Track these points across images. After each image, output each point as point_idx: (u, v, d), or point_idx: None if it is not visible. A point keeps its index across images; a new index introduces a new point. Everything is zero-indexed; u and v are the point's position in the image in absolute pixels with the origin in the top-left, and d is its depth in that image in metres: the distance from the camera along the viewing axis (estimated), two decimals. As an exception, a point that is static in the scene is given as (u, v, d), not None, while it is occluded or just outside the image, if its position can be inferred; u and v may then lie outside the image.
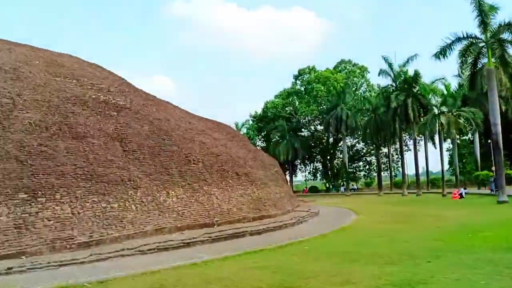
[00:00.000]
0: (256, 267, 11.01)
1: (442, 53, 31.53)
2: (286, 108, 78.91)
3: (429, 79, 51.96)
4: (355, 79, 77.52)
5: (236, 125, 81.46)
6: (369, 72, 76.53)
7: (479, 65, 32.38)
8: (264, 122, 79.54)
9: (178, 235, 15.45)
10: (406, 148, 66.96)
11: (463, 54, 30.26)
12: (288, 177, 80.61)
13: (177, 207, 16.59)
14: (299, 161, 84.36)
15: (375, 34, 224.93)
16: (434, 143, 50.90)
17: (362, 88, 77.98)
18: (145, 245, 13.91)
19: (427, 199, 40.75)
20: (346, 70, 78.70)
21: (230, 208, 18.64)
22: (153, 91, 26.48)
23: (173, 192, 16.86)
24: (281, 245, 14.64)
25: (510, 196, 30.88)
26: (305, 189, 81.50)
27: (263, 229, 17.95)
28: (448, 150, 66.96)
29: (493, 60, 30.72)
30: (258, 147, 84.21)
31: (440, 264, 10.24)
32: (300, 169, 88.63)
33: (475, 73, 32.34)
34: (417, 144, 52.53)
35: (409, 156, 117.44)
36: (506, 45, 29.55)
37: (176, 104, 27.35)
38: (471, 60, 31.46)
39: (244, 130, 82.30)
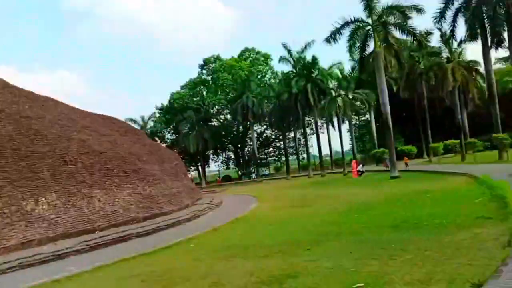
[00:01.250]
0: (126, 277, 9.87)
1: (332, 37, 32.24)
2: (194, 99, 77.40)
3: (330, 64, 53.74)
4: (259, 66, 78.05)
5: (142, 118, 78.43)
6: (272, 60, 77.49)
7: (371, 48, 33.74)
8: (171, 114, 77.28)
9: (50, 247, 13.72)
10: (312, 131, 69.25)
11: (351, 37, 31.19)
12: (200, 169, 79.69)
13: (48, 215, 14.74)
14: (211, 152, 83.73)
15: (280, 22, 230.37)
16: (333, 125, 52.82)
17: (267, 75, 78.81)
18: (5, 263, 12.07)
19: (330, 180, 42.12)
20: (250, 58, 79.01)
21: (115, 210, 17.13)
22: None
23: (43, 199, 14.96)
24: (167, 246, 13.58)
25: (401, 171, 32.85)
26: (218, 179, 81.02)
27: (153, 229, 16.74)
28: (348, 131, 70.33)
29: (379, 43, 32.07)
30: (168, 140, 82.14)
31: (318, 251, 9.90)
32: (212, 159, 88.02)
33: (365, 55, 33.50)
34: (320, 127, 54.19)
35: (316, 139, 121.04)
36: (390, 27, 30.91)
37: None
38: (360, 44, 32.54)
39: (151, 123, 79.53)
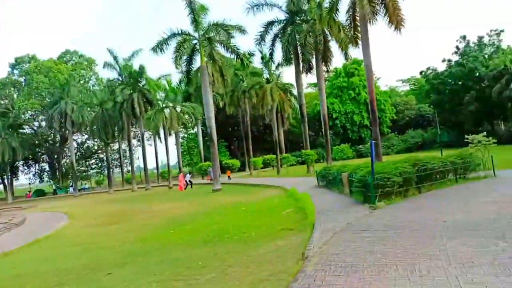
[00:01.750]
0: None
1: (159, 47, 31.68)
2: (1, 102, 67.41)
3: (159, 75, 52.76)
4: (82, 71, 72.73)
5: None
6: (97, 65, 72.94)
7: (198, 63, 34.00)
8: (-30, 117, 65.88)
9: None
10: (139, 143, 66.97)
11: (177, 49, 31.08)
12: (6, 182, 69.32)
13: None
14: (21, 163, 73.93)
15: (110, 28, 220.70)
16: (159, 138, 51.92)
17: (91, 81, 73.79)
18: None
19: (154, 193, 40.95)
20: (72, 62, 72.98)
21: None
22: None
23: None
24: None
25: (224, 184, 33.81)
26: (28, 193, 71.71)
27: None
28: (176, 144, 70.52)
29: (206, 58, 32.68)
30: (-36, 148, 69.54)
31: (120, 274, 8.96)
32: (22, 171, 77.62)
33: (192, 69, 33.72)
34: (148, 138, 52.69)
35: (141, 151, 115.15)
36: (215, 43, 31.80)
37: None
38: (187, 57, 32.64)
39: None
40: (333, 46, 33.13)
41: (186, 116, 47.33)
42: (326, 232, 8.92)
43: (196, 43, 32.00)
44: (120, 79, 50.79)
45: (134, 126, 57.35)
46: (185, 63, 33.11)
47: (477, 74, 56.43)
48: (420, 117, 73.14)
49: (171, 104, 43.88)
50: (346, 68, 67.21)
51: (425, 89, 66.37)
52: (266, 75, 49.48)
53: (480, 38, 59.71)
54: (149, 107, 48.97)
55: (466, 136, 22.96)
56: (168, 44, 31.81)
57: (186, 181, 39.99)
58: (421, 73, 65.74)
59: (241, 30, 31.54)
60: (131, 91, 47.40)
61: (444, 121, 62.74)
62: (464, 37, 59.38)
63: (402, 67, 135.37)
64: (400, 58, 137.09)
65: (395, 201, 11.95)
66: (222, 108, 54.73)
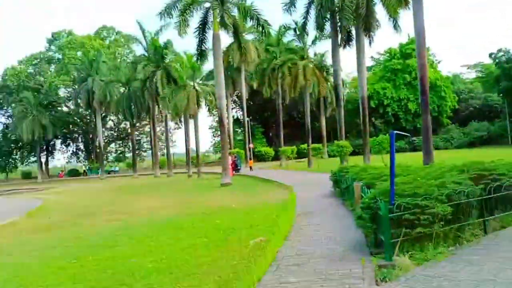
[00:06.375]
0: None
1: (167, 11, 26.73)
2: (37, 77, 65.87)
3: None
4: (119, 48, 69.86)
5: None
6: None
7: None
8: (4, 93, 64.91)
9: None
10: (178, 126, 63.16)
11: (183, 12, 25.72)
12: (41, 160, 68.15)
13: None
14: (59, 142, 72.97)
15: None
16: (181, 120, 47.05)
17: (129, 59, 70.66)
18: None
19: (168, 182, 36.48)
20: (110, 38, 70.28)
21: None
22: None
23: None
24: None
25: (243, 176, 28.62)
26: (60, 173, 70.45)
27: None
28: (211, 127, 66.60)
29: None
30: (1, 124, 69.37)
31: None
32: (60, 150, 76.53)
33: (205, 38, 28.23)
34: (171, 120, 48.71)
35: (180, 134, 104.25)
36: (229, 6, 26.19)
37: None
38: (199, 23, 27.36)
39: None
40: (380, 12, 26.65)
41: (209, 97, 41.78)
42: None
43: (209, 7, 26.58)
44: (146, 55, 46.55)
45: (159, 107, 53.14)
46: (198, 31, 27.75)
47: None
48: (487, 107, 63.46)
49: (191, 83, 38.70)
50: (402, 48, 59.13)
51: (494, 75, 56.91)
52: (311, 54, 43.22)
53: None
54: (175, 86, 44.12)
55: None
56: (177, 9, 26.70)
57: (236, 164, 34.48)
58: (490, 55, 56.30)
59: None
60: (155, 68, 42.98)
61: (516, 112, 53.51)
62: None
63: (467, 52, 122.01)
64: (465, 41, 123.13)
65: (435, 254, 5.96)
66: (259, 90, 49.29)
